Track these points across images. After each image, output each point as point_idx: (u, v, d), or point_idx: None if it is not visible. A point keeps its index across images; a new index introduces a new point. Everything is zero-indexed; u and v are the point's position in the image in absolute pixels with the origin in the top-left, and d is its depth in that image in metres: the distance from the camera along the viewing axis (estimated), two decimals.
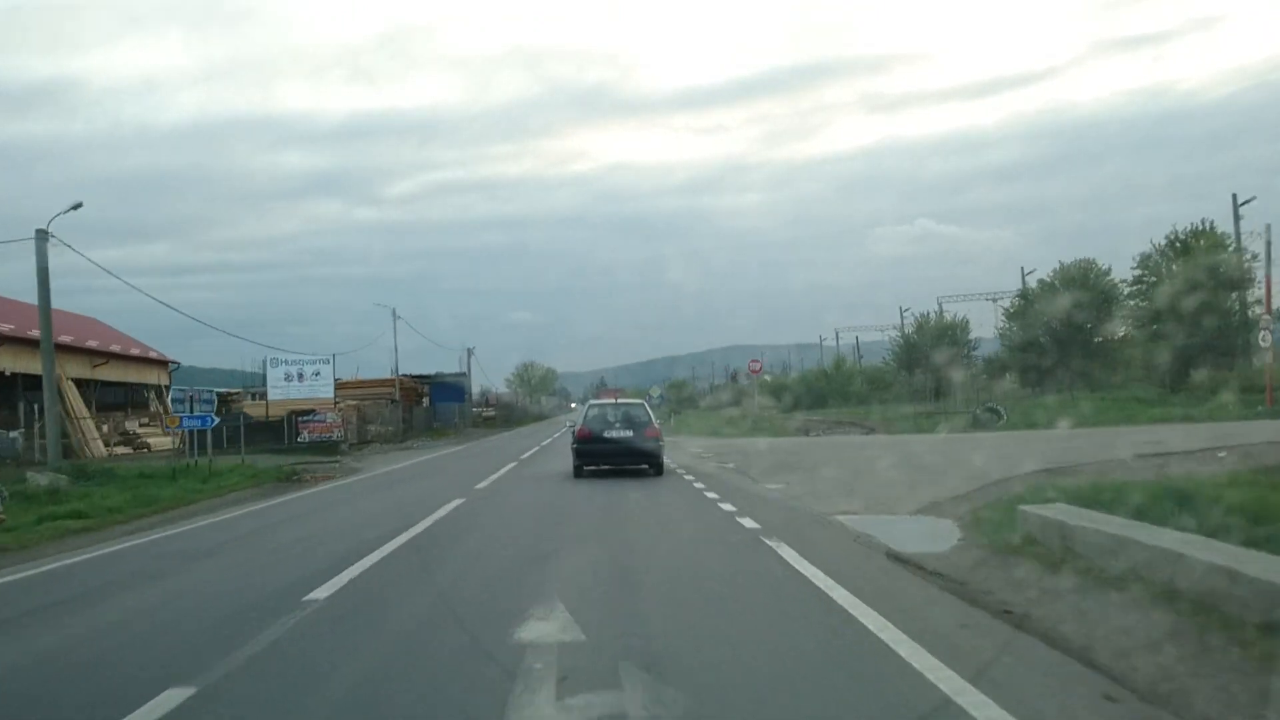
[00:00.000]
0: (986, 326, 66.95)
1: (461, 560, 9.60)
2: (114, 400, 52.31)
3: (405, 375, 78.68)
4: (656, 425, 20.84)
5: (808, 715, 4.54)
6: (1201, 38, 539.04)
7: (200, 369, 70.89)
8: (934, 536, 9.47)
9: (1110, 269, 48.64)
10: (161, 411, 46.94)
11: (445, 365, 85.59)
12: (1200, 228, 42.54)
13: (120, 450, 40.93)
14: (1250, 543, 5.97)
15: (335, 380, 66.98)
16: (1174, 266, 41.99)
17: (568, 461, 20.45)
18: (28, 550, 12.35)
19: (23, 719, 4.93)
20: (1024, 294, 52.05)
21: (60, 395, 33.10)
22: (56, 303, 26.14)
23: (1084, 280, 48.69)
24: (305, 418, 42.03)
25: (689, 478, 18.35)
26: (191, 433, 42.67)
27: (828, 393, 75.35)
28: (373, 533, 11.43)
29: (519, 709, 4.51)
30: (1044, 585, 6.68)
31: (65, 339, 36.98)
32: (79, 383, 41.87)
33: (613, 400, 23.87)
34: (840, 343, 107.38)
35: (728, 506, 13.13)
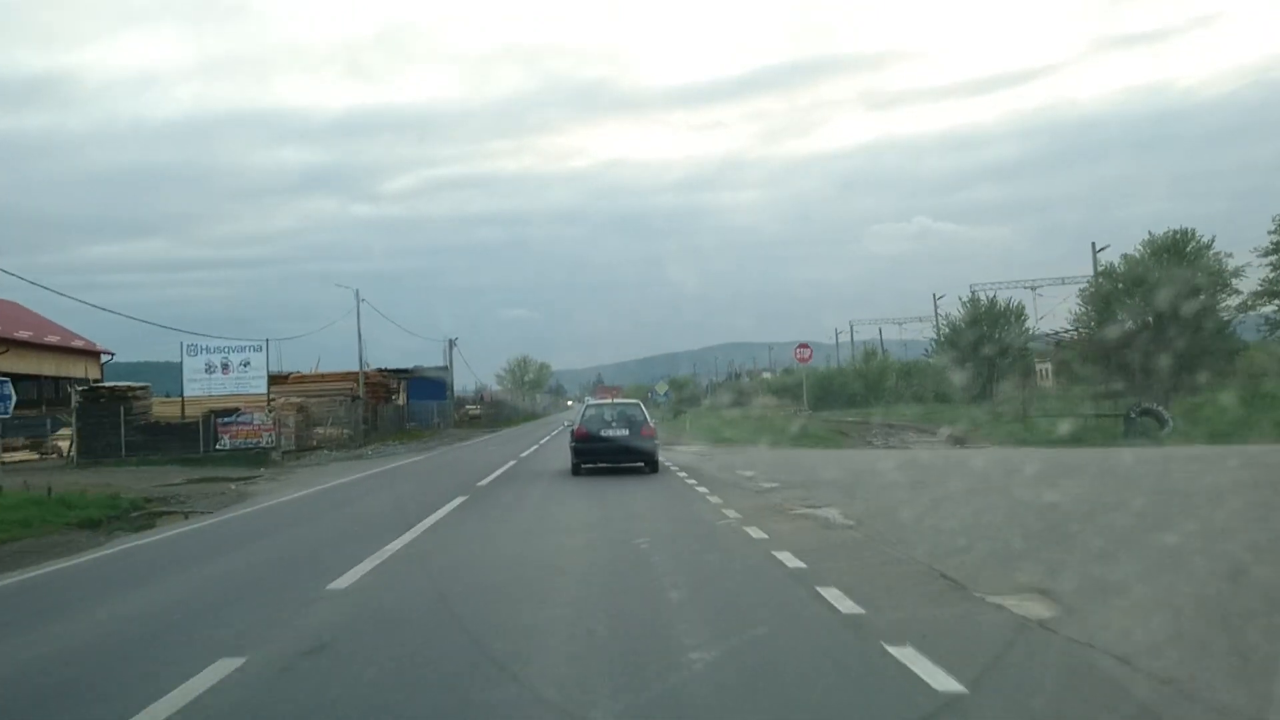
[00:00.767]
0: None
1: None
2: (25, 396, 43.71)
3: (378, 369, 70.13)
4: (652, 425, 21.09)
5: None
6: (1200, 35, 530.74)
7: (155, 363, 62.32)
8: None
9: (1213, 240, 40.14)
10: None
11: (435, 360, 76.97)
12: None
13: (19, 458, 32.52)
14: None
15: (286, 374, 58.44)
16: None
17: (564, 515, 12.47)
18: None
19: None
20: (1109, 273, 43.45)
21: None
22: None
23: (1178, 253, 40.21)
24: (226, 419, 33.39)
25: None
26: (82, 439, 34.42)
27: (855, 391, 66.81)
28: None
29: None
30: None
31: None
32: None
33: (609, 400, 24.30)
34: (855, 338, 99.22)
35: None
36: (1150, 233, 42.09)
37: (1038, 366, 53.86)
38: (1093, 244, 51.70)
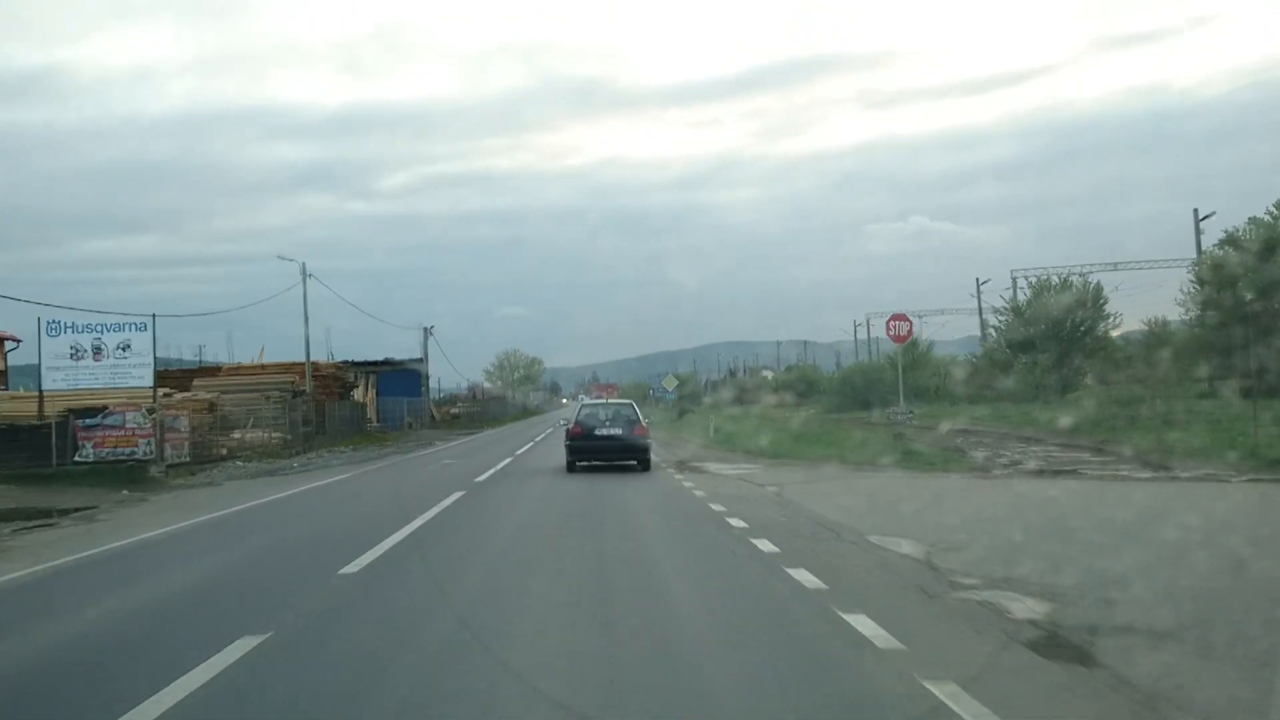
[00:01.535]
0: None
1: None
2: None
3: (339, 361, 61.19)
4: (644, 424, 21.21)
5: None
6: (1198, 35, 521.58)
7: None
8: None
9: None
10: None
11: (420, 354, 67.78)
12: None
13: None
14: None
15: (217, 365, 49.68)
16: None
17: None
18: None
19: None
20: (1232, 240, 34.85)
21: None
22: None
23: None
24: (89, 420, 24.64)
25: None
26: None
27: (885, 386, 57.99)
28: None
29: None
30: None
31: None
32: None
33: (604, 400, 27.32)
34: (871, 333, 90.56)
35: None
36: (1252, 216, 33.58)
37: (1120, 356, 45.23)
38: (1194, 211, 43.20)
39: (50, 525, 15.73)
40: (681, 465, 21.63)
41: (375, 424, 56.89)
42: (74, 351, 26.20)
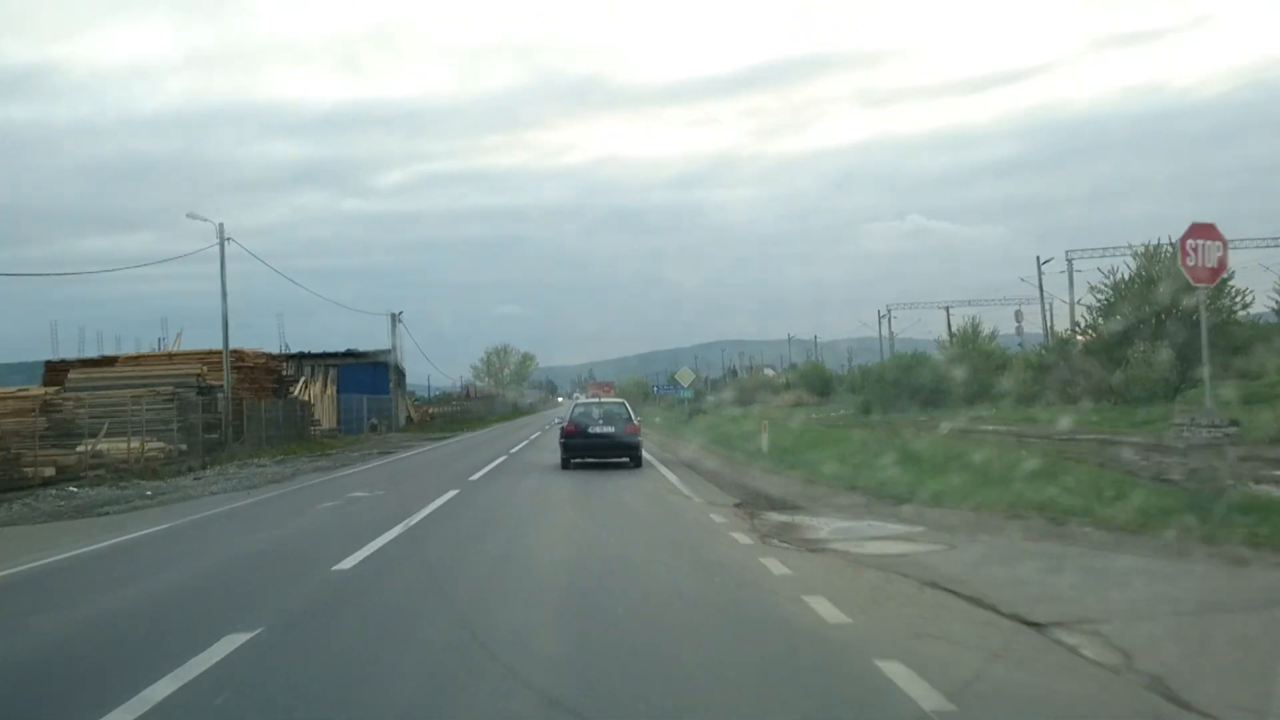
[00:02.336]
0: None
1: None
2: None
3: (294, 353, 51.87)
4: (636, 422, 21.58)
5: None
6: (1197, 35, 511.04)
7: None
8: None
9: None
10: None
11: (413, 352, 58.55)
12: None
13: None
14: None
15: (114, 356, 40.50)
16: None
17: None
18: None
19: None
20: None
21: None
22: None
23: None
24: None
25: None
26: None
27: (923, 385, 48.90)
28: None
29: None
30: None
31: None
32: None
33: (598, 400, 25.93)
34: (894, 326, 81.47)
35: None
36: None
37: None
38: None
39: None
40: (762, 534, 10.66)
41: (330, 427, 47.65)
42: None
